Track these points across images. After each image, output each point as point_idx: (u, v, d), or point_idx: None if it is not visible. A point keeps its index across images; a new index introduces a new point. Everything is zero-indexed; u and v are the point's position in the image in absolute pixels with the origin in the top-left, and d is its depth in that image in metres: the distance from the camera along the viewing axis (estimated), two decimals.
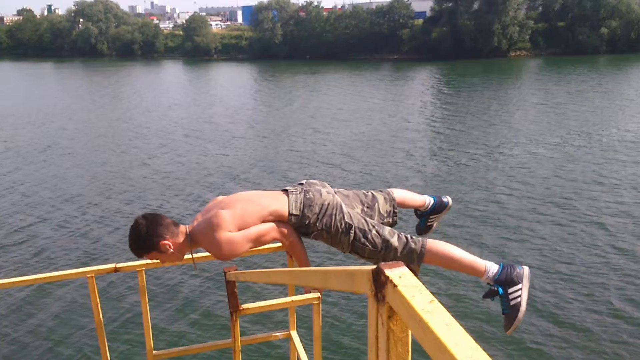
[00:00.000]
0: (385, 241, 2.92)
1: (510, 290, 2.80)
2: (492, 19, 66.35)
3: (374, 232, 2.94)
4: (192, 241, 2.98)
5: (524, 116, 30.57)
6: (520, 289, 2.81)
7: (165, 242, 2.91)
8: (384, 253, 2.92)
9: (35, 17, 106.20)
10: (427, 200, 3.45)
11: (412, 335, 1.21)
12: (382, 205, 3.23)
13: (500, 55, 67.10)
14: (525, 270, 2.87)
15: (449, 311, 1.09)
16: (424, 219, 3.49)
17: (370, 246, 2.92)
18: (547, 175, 19.14)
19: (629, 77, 46.86)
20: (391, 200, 3.27)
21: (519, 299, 2.79)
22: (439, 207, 3.47)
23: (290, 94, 42.83)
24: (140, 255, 2.98)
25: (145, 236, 2.90)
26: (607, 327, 10.06)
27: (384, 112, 33.23)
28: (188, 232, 2.98)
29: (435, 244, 2.91)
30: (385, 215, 3.22)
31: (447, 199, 3.49)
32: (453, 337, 1.02)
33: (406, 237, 2.95)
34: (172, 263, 3.07)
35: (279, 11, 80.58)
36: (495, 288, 2.81)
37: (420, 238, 2.97)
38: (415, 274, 2.87)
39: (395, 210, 3.26)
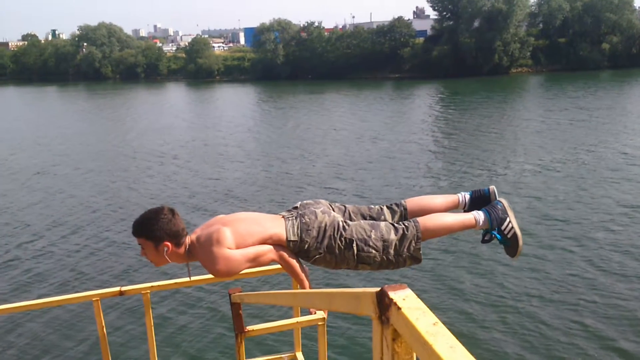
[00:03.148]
0: (385, 240, 2.93)
1: (502, 227, 3.04)
2: (493, 36, 66.75)
3: (373, 236, 2.94)
4: (189, 253, 2.97)
5: (525, 133, 30.62)
6: (510, 221, 3.05)
7: (169, 244, 2.90)
8: (386, 252, 2.93)
9: (40, 42, 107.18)
10: (460, 197, 3.32)
11: (416, 357, 1.21)
12: (389, 219, 3.19)
13: (501, 72, 67.40)
14: (504, 202, 3.12)
15: (452, 333, 1.10)
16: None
17: (374, 251, 2.92)
18: (549, 193, 19.10)
19: (631, 92, 46.95)
20: (401, 211, 3.24)
21: (512, 230, 3.04)
22: (479, 200, 3.29)
23: (293, 114, 43.02)
24: (137, 235, 2.93)
25: (158, 227, 2.88)
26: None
27: (386, 131, 33.32)
28: (188, 244, 2.99)
29: (427, 221, 3.00)
30: None
31: (487, 187, 3.32)
32: (457, 359, 1.02)
33: (402, 228, 2.96)
34: (154, 262, 2.99)
35: (281, 32, 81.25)
36: (492, 234, 3.05)
37: (412, 222, 2.99)
38: (419, 261, 3.00)
39: (406, 224, 3.14)
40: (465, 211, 3.30)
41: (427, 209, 3.22)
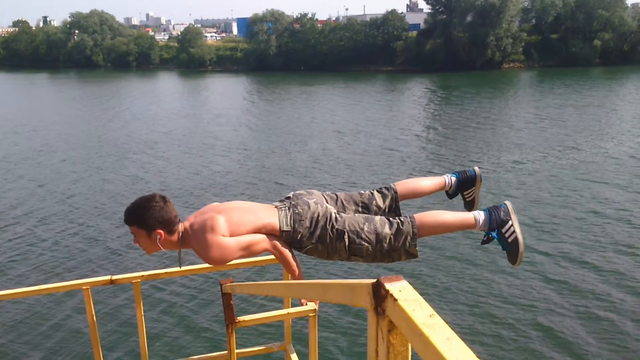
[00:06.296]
0: (378, 234, 2.91)
1: (504, 230, 2.94)
2: (486, 31, 66.77)
3: (366, 228, 2.92)
4: (182, 240, 2.95)
5: (516, 128, 30.71)
6: (512, 224, 2.95)
7: (161, 232, 2.87)
8: (379, 246, 2.91)
9: (31, 28, 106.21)
10: (446, 179, 3.37)
11: (412, 349, 1.21)
12: (381, 203, 3.20)
13: (493, 67, 67.50)
14: (509, 205, 3.03)
15: (449, 326, 1.10)
16: (462, 198, 3.44)
17: (366, 244, 2.90)
18: (537, 188, 19.19)
19: (620, 90, 47.12)
20: (392, 194, 3.24)
21: (514, 234, 2.93)
22: (465, 181, 3.35)
23: (284, 106, 42.90)
24: (129, 223, 2.89)
25: (150, 215, 2.85)
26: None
27: (377, 123, 33.33)
28: (181, 231, 2.97)
29: (424, 217, 2.96)
30: (387, 211, 3.20)
31: (472, 169, 3.37)
32: (454, 351, 1.02)
33: (397, 223, 2.94)
34: (146, 250, 2.96)
35: (274, 23, 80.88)
36: (491, 235, 2.96)
37: (409, 217, 2.96)
38: (415, 256, 2.96)
39: (397, 204, 3.20)
40: (450, 193, 3.38)
41: (417, 191, 3.28)
